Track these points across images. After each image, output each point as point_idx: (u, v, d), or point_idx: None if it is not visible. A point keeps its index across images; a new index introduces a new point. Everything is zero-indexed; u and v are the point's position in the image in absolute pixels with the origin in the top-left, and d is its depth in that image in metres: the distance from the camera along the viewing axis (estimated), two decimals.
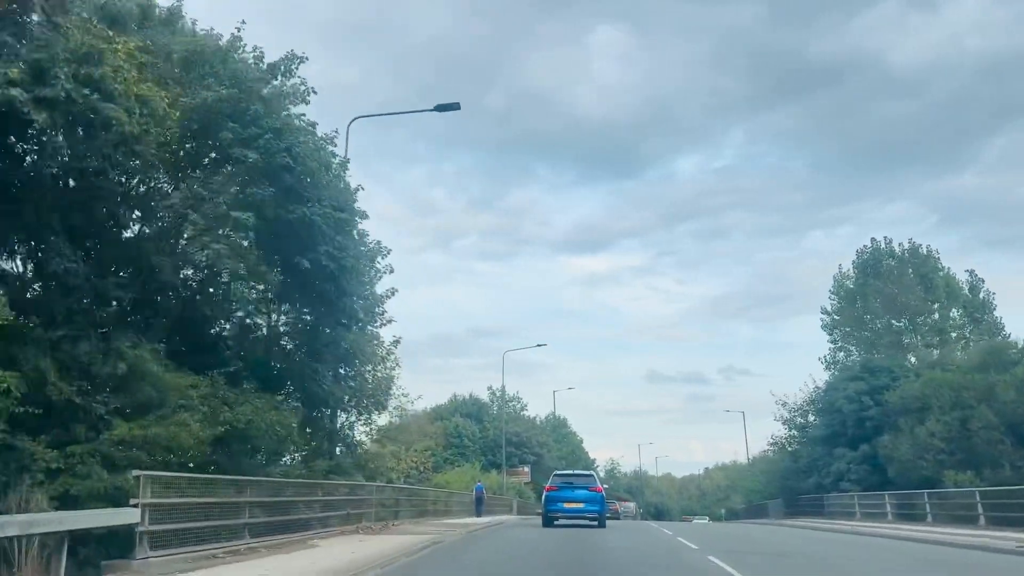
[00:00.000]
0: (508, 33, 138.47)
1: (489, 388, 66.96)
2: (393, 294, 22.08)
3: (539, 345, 53.92)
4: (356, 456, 23.41)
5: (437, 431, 62.01)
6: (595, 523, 23.98)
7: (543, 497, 25.77)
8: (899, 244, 44.58)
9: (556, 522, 24.28)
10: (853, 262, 45.12)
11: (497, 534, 22.12)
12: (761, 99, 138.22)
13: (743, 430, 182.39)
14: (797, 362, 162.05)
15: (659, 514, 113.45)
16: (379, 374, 25.86)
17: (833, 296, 46.87)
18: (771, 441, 46.41)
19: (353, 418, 23.80)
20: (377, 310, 21.81)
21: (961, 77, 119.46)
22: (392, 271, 21.57)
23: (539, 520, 26.95)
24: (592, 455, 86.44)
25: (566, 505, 24.07)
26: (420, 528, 21.95)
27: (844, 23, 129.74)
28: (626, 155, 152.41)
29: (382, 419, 28.15)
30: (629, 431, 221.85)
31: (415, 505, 31.21)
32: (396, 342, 26.65)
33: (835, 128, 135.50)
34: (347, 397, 21.98)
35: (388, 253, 21.32)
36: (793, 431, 45.21)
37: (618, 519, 54.32)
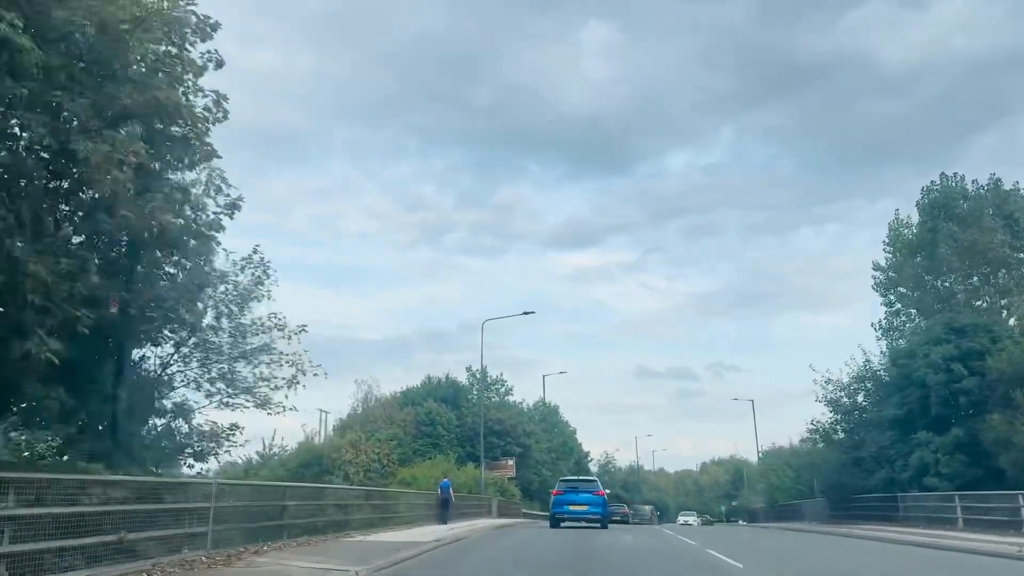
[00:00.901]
0: (498, 29, 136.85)
1: (468, 369, 57.95)
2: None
3: (525, 313, 43.33)
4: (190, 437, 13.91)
5: (407, 418, 52.79)
6: (597, 524, 26.16)
7: (550, 500, 27.50)
8: (972, 181, 35.77)
9: (562, 523, 26.26)
10: (917, 203, 36.20)
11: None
12: (750, 97, 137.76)
13: (737, 425, 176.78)
14: (785, 359, 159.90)
15: (658, 512, 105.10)
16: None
17: (888, 248, 37.98)
18: (811, 427, 37.39)
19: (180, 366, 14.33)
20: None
21: (949, 76, 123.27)
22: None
23: (524, 530, 26.28)
24: (586, 447, 77.58)
25: (571, 508, 26.19)
26: (293, 559, 12.53)
27: (833, 21, 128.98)
28: (615, 152, 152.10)
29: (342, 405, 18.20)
30: (618, 427, 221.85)
31: (347, 512, 21.81)
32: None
33: (823, 126, 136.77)
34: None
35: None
36: (838, 416, 36.18)
37: (626, 523, 52.28)
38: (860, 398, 35.46)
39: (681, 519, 63.07)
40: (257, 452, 57.75)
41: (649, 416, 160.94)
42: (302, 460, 52.75)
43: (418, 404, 53.76)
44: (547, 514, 31.38)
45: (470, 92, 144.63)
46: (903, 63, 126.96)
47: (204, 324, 14.85)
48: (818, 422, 36.32)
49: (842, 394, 35.58)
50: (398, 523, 25.88)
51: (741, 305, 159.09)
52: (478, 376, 56.65)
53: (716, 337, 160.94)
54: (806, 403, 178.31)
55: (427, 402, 53.52)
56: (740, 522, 72.09)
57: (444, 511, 30.75)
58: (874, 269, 38.28)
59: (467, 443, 51.78)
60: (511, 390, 58.67)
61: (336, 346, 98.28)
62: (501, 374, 58.85)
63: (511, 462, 52.98)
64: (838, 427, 36.21)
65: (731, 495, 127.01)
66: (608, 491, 41.85)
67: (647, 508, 67.34)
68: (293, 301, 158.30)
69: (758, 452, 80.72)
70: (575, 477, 32.24)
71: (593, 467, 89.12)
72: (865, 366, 34.85)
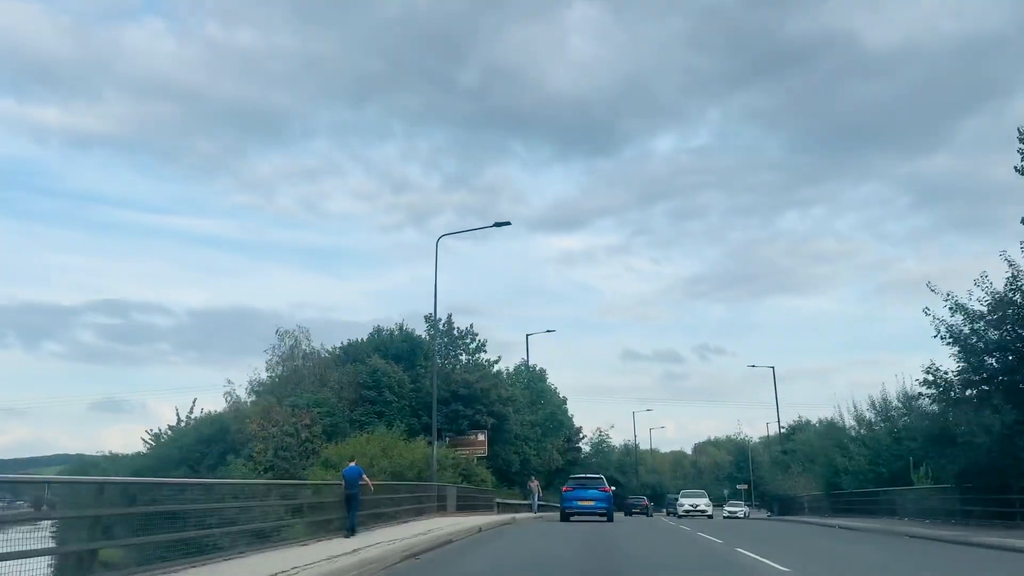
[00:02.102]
0: (482, 7, 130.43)
1: (427, 318, 44.92)
2: None
3: (497, 225, 30.21)
4: None
5: (344, 379, 39.82)
6: (604, 517, 28.24)
7: (561, 496, 29.93)
8: None
9: (572, 517, 28.15)
10: None
11: None
12: (737, 78, 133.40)
13: (727, 406, 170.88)
14: (769, 341, 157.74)
15: (657, 498, 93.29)
16: None
17: None
18: (927, 372, 24.19)
19: None
20: None
21: (935, 59, 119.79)
22: None
23: (498, 543, 20.19)
24: (577, 423, 64.95)
25: (580, 503, 28.39)
26: None
27: (820, 2, 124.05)
28: (601, 133, 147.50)
29: None
30: (604, 410, 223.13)
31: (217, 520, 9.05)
32: None
33: (809, 108, 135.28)
34: None
35: None
36: (965, 362, 23.39)
37: (647, 515, 49.41)
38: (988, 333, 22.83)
39: (686, 502, 44.01)
40: (169, 426, 44.85)
41: (636, 398, 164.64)
42: (201, 436, 39.76)
43: (360, 362, 40.84)
44: (528, 502, 31.65)
45: (455, 72, 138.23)
46: (889, 46, 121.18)
47: None
48: (940, 372, 23.44)
49: (977, 326, 22.88)
50: (291, 537, 13.56)
51: (726, 287, 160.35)
52: (439, 324, 43.83)
53: (702, 319, 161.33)
54: (793, 383, 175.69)
55: (372, 358, 40.57)
56: (765, 513, 59.85)
57: (352, 511, 18.02)
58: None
59: (424, 412, 39.05)
60: (483, 346, 45.82)
61: (321, 328, 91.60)
62: (471, 326, 45.98)
63: (482, 436, 40.23)
64: (970, 378, 23.41)
65: (734, 477, 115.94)
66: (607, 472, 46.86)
67: (701, 501, 53.00)
68: (279, 282, 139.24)
69: (780, 428, 68.54)
70: (583, 475, 34.40)
71: (585, 446, 76.76)
72: (1007, 285, 22.23)
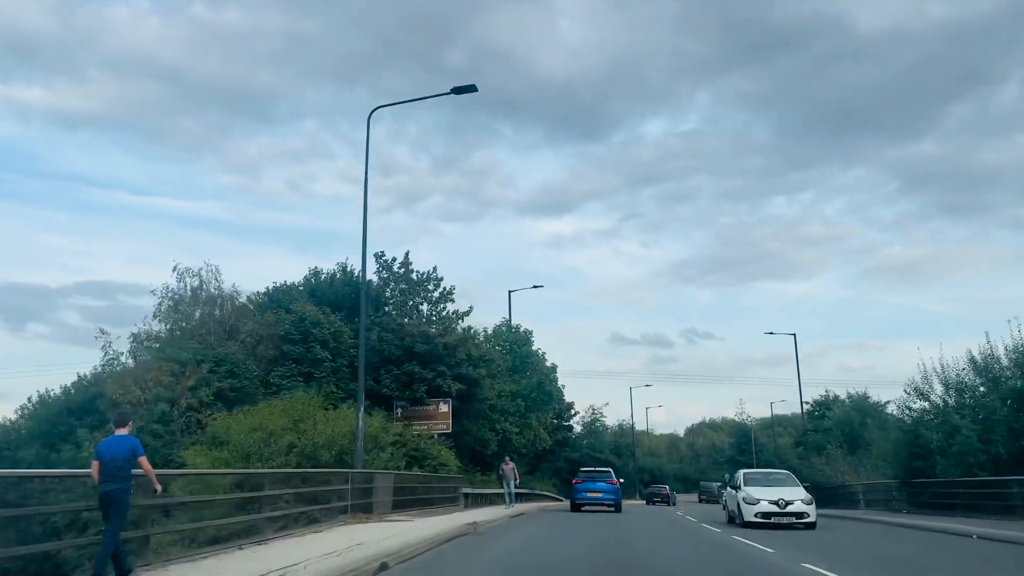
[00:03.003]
0: None
1: (378, 257, 34.79)
2: None
3: (456, 91, 20.10)
4: None
5: (261, 331, 29.98)
6: (612, 508, 29.16)
7: (572, 488, 30.90)
8: None
9: (583, 508, 29.28)
10: None
11: None
12: (727, 62, 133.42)
13: (714, 390, 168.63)
14: (757, 326, 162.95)
15: (654, 484, 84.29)
16: None
17: None
18: None
19: None
20: None
21: (924, 44, 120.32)
22: None
23: None
24: (568, 397, 55.31)
25: (589, 494, 29.49)
26: None
27: None
28: (591, 117, 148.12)
29: None
30: (594, 391, 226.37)
31: None
32: None
33: (799, 93, 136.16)
34: None
35: None
36: None
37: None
38: None
39: (762, 495, 19.12)
40: (39, 393, 34.97)
41: (623, 382, 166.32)
42: (71, 406, 29.85)
43: (286, 309, 30.94)
44: (502, 491, 29.03)
45: (444, 53, 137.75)
46: (879, 30, 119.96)
47: None
48: None
49: None
50: None
51: (715, 272, 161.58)
52: (391, 266, 34.00)
53: (690, 304, 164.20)
54: (779, 367, 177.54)
55: (302, 304, 30.69)
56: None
57: (105, 538, 8.28)
58: None
59: (369, 373, 29.37)
60: (450, 294, 35.71)
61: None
62: (434, 269, 35.85)
63: (444, 407, 30.42)
64: None
65: (737, 461, 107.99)
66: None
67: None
68: (266, 264, 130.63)
69: (802, 409, 58.91)
70: (593, 468, 34.45)
71: (576, 425, 67.33)
72: None
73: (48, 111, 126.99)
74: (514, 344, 44.83)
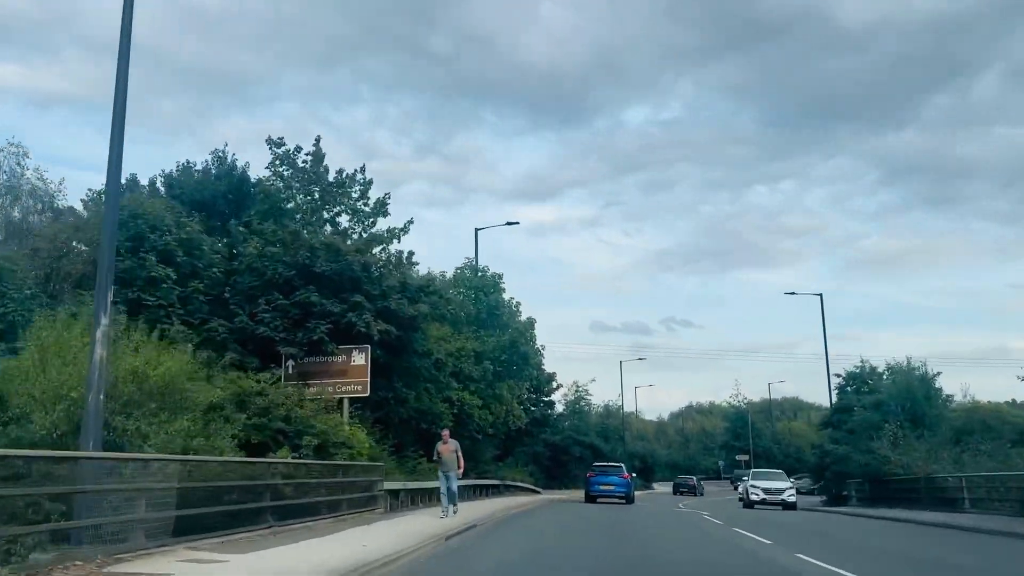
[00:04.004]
0: None
1: (274, 143, 23.75)
2: None
3: None
4: None
5: (64, 236, 18.99)
6: (623, 500, 31.11)
7: (586, 481, 32.67)
8: None
9: (597, 500, 30.82)
10: None
11: None
12: (711, 51, 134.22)
13: (689, 378, 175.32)
14: (737, 315, 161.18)
15: (647, 471, 74.78)
16: None
17: None
18: None
19: None
20: None
21: (907, 35, 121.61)
22: None
23: None
24: (548, 367, 44.79)
25: (602, 487, 31.29)
26: None
27: None
28: (574, 104, 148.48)
29: None
30: (577, 376, 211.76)
31: None
32: None
33: (781, 82, 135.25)
34: None
35: None
36: None
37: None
38: None
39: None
40: None
41: (605, 367, 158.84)
42: None
43: (136, 213, 19.98)
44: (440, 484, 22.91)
45: (426, 37, 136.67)
46: (862, 21, 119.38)
47: None
48: None
49: None
50: None
51: (696, 260, 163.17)
52: (286, 155, 23.18)
53: (671, 292, 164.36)
54: (755, 358, 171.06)
55: (136, 197, 19.84)
56: (818, 498, 40.52)
57: None
58: None
59: (241, 306, 18.70)
60: (383, 207, 24.55)
61: None
62: (362, 168, 24.66)
63: (359, 358, 19.61)
64: None
65: (732, 447, 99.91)
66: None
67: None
68: None
69: (829, 385, 48.52)
70: (605, 463, 36.44)
71: (559, 405, 56.96)
72: None
73: (23, 90, 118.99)
74: (479, 291, 34.27)
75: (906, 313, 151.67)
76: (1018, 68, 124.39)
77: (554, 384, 47.41)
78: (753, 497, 31.28)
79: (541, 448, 51.22)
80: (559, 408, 59.28)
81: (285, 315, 19.21)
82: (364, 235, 23.56)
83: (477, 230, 38.35)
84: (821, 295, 51.21)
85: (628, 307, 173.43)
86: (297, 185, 23.37)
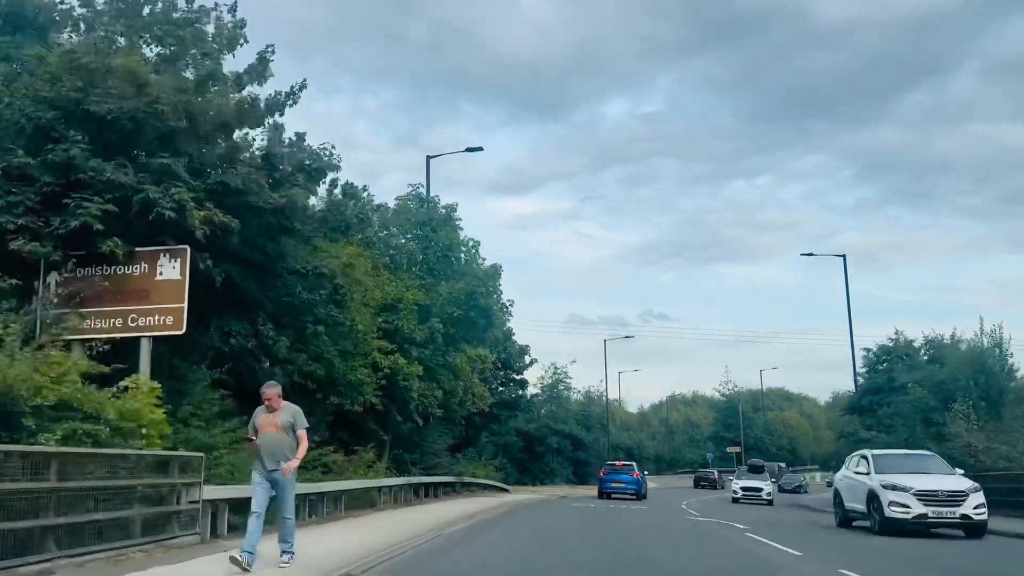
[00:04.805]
0: None
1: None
2: None
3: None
4: None
5: None
6: (635, 497, 31.61)
7: (599, 478, 34.18)
8: None
9: (611, 496, 31.53)
10: None
11: None
12: (691, 45, 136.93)
13: (667, 372, 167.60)
14: (714, 308, 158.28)
15: (701, 468, 68.37)
16: None
17: None
18: None
19: None
20: None
21: (883, 32, 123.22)
22: None
23: None
24: (523, 338, 36.32)
25: (614, 484, 32.52)
26: None
27: None
28: (554, 96, 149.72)
29: None
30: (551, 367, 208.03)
31: None
32: None
33: (760, 78, 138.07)
34: None
35: None
36: None
37: (716, 489, 48.89)
38: None
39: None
40: None
41: (582, 363, 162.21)
42: None
43: None
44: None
45: (405, 28, 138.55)
46: (839, 17, 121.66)
47: None
48: None
49: None
50: None
51: (674, 255, 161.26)
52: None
53: (649, 286, 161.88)
54: (735, 349, 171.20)
55: None
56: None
57: None
58: None
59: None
60: (263, 66, 16.05)
61: None
62: (233, 8, 16.24)
63: (169, 268, 11.06)
64: None
65: (721, 438, 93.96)
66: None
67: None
68: None
69: (853, 363, 40.18)
70: (617, 462, 37.70)
71: (533, 388, 48.55)
72: None
73: None
74: (427, 227, 25.77)
75: (882, 307, 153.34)
76: (993, 65, 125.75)
77: (527, 359, 39.14)
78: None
79: (512, 437, 42.99)
80: (534, 391, 51.13)
81: (29, 186, 10.60)
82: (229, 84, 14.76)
83: (429, 158, 29.75)
84: (844, 256, 43.65)
85: (606, 301, 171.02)
86: (114, 18, 14.61)
